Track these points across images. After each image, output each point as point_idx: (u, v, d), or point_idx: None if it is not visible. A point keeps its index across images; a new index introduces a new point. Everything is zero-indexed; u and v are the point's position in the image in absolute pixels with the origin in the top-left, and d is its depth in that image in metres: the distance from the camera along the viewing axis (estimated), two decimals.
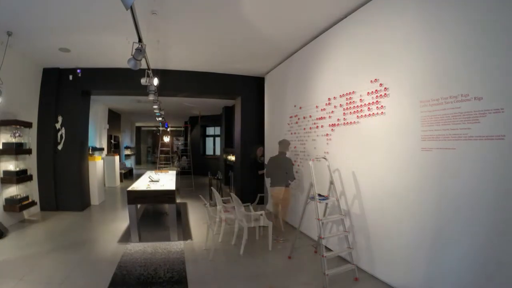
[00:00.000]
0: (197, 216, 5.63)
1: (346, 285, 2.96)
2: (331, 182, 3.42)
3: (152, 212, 6.01)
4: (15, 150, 4.69)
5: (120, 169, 10.38)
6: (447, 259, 2.35)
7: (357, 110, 3.42)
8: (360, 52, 3.39)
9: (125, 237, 4.28)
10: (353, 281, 3.03)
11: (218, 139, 12.78)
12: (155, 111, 7.69)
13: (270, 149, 5.82)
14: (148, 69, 4.50)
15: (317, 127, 4.28)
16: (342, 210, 3.36)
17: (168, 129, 11.90)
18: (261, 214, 3.99)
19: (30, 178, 5.11)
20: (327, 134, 4.03)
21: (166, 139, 11.18)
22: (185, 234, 4.53)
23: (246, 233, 3.74)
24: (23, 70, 5.20)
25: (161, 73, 5.37)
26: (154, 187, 4.50)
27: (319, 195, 3.35)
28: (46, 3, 3.37)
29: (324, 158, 3.58)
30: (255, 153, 5.76)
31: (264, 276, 3.17)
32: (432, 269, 2.46)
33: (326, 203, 3.67)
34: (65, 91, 5.89)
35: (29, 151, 5.13)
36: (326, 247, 3.11)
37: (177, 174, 6.99)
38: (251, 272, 3.27)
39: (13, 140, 4.74)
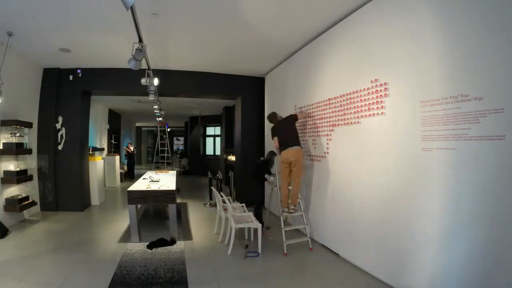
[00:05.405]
0: (197, 216, 5.63)
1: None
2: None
3: (153, 212, 6.02)
4: (15, 150, 4.68)
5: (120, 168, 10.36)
6: (447, 258, 2.35)
7: (357, 110, 3.42)
8: (360, 52, 3.38)
9: (126, 237, 4.29)
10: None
11: (218, 139, 12.78)
12: (155, 111, 7.69)
13: (270, 149, 5.82)
14: (149, 69, 4.50)
15: (317, 127, 4.28)
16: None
17: (168, 129, 11.90)
18: (250, 219, 4.00)
19: (30, 178, 5.11)
20: (327, 134, 4.03)
21: (166, 139, 11.16)
22: (185, 234, 4.54)
23: (234, 233, 3.78)
24: (23, 70, 5.19)
25: (162, 73, 5.37)
26: (154, 187, 4.51)
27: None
28: (46, 3, 3.37)
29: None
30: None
31: (259, 272, 3.17)
32: (432, 268, 2.46)
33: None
34: (65, 91, 5.88)
35: (29, 151, 5.13)
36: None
37: (177, 175, 6.98)
38: (250, 271, 3.27)
39: (13, 140, 4.75)
